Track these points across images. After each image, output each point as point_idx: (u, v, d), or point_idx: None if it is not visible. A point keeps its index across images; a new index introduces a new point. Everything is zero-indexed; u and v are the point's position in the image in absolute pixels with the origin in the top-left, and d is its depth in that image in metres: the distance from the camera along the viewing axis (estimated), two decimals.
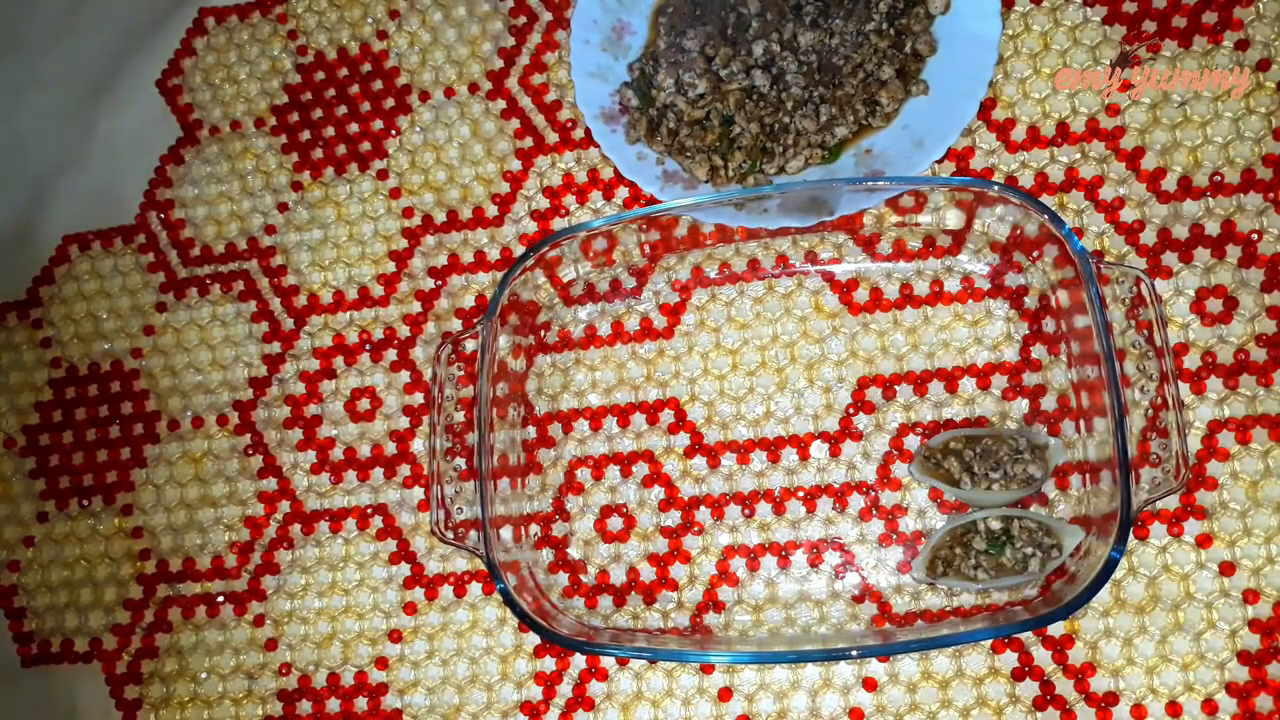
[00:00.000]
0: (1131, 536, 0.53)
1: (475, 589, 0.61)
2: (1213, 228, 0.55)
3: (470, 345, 0.60)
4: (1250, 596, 0.52)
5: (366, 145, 0.67)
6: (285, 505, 0.64)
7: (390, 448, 0.63)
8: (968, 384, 0.57)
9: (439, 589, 0.61)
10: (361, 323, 0.65)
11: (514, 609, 0.53)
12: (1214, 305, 0.55)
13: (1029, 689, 0.54)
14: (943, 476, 0.54)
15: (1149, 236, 0.56)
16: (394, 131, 0.67)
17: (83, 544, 0.66)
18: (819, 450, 0.58)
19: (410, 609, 0.61)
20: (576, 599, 0.59)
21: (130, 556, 0.65)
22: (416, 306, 0.64)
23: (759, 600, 0.57)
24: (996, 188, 0.51)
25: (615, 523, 0.59)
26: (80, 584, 0.66)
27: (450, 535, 0.56)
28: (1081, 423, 0.54)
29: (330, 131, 0.68)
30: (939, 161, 0.58)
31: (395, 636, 0.61)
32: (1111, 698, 0.52)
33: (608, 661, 0.58)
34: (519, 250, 0.64)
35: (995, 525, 0.52)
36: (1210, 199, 0.56)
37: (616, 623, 0.58)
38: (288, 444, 0.65)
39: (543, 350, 0.62)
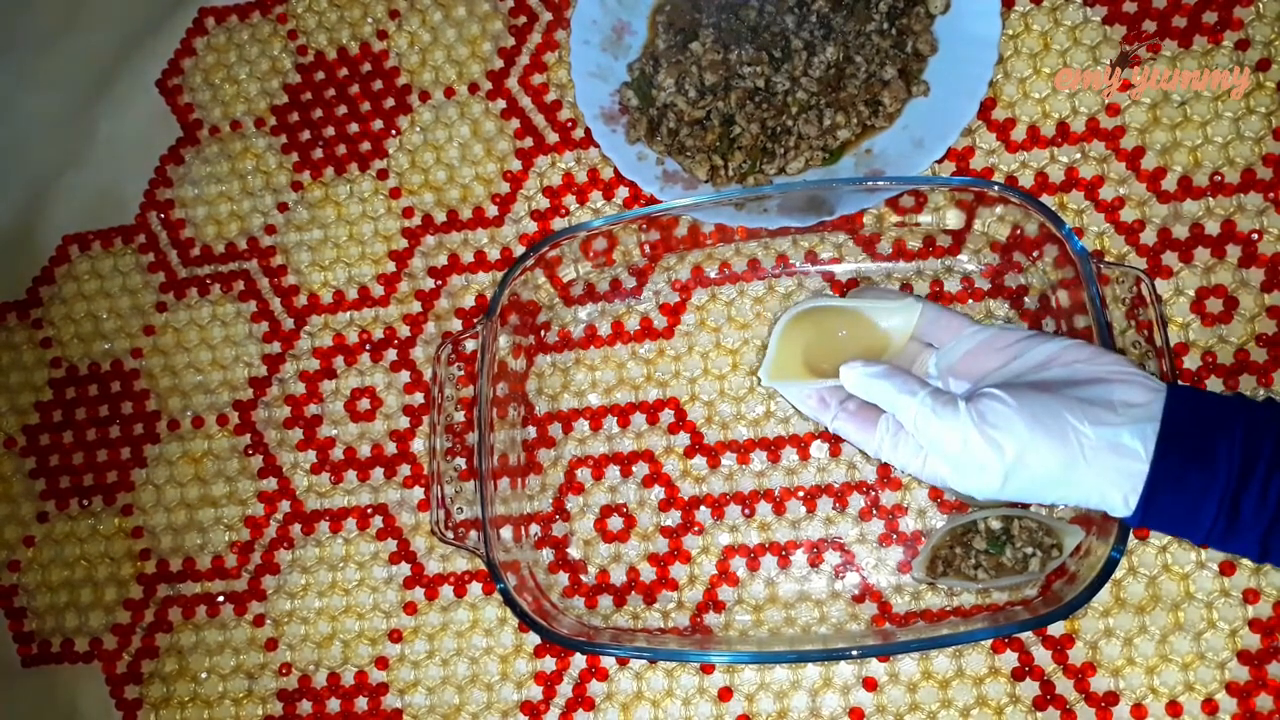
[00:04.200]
0: (1131, 536, 0.53)
1: (475, 589, 0.61)
2: (1213, 228, 0.55)
3: (470, 345, 0.60)
4: (1250, 596, 0.52)
5: (366, 145, 0.67)
6: (285, 505, 0.64)
7: (390, 448, 0.63)
8: None
9: (439, 589, 0.61)
10: (361, 323, 0.65)
11: (514, 609, 0.53)
12: (1214, 305, 0.55)
13: (1029, 689, 0.54)
14: None
15: (1149, 236, 0.56)
16: (394, 131, 0.67)
17: (83, 544, 0.66)
18: (819, 450, 0.58)
19: (410, 609, 0.61)
20: (576, 599, 0.59)
21: (130, 556, 0.65)
22: (416, 306, 0.64)
23: (759, 600, 0.57)
24: (996, 188, 0.51)
25: (615, 522, 0.59)
26: (80, 584, 0.66)
27: (450, 535, 0.56)
28: None
29: (330, 131, 0.68)
30: (939, 161, 0.58)
31: (395, 636, 0.61)
32: (1111, 697, 0.52)
33: (608, 661, 0.58)
34: (519, 250, 0.64)
35: (995, 525, 0.52)
36: (1210, 199, 0.56)
37: (616, 623, 0.58)
38: (288, 444, 0.65)
39: (543, 350, 0.62)
